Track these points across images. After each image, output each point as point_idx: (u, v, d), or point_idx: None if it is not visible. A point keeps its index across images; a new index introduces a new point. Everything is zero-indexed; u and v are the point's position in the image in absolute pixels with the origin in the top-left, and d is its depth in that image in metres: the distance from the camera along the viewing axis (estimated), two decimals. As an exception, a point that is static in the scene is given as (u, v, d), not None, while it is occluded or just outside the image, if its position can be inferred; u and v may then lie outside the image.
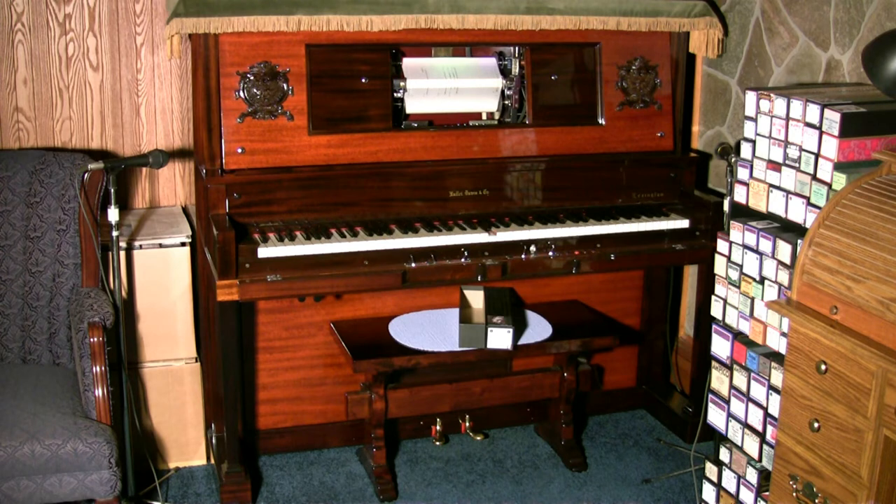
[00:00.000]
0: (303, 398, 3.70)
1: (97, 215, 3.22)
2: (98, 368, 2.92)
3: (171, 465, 3.64)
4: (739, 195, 2.99)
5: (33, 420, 2.82)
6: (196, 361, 3.60)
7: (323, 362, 3.68)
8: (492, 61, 3.73)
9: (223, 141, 3.30)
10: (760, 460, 2.92)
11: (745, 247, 2.92)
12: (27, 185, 3.21)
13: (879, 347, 2.23)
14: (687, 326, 4.30)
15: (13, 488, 2.73)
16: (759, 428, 2.89)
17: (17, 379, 3.08)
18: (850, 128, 2.60)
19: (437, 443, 3.76)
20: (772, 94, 2.83)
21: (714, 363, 3.10)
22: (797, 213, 2.75)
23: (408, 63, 3.60)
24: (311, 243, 3.22)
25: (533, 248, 3.43)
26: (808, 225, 2.70)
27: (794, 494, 2.52)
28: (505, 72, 3.70)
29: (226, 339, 3.25)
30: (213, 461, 3.62)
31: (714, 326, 3.08)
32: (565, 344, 3.54)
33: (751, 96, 2.91)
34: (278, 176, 3.33)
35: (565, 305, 3.85)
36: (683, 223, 3.62)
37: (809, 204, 2.71)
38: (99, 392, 2.92)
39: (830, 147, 2.63)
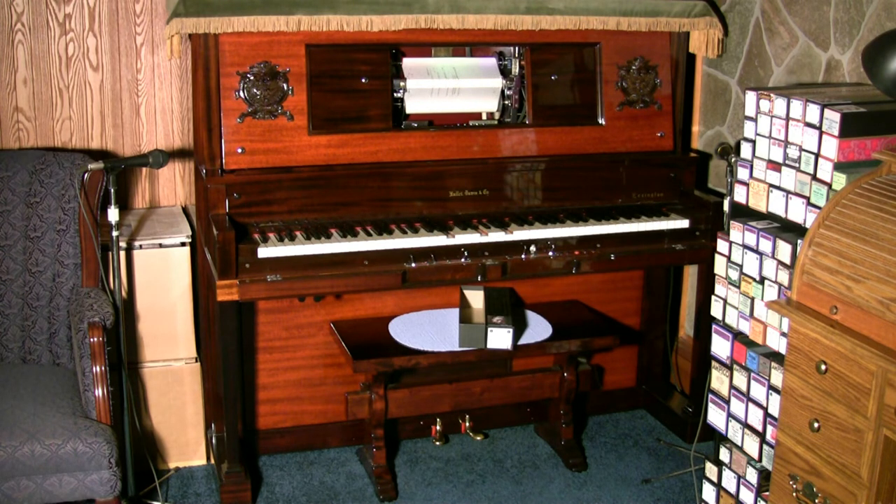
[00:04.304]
0: (303, 398, 3.70)
1: (97, 215, 3.22)
2: (98, 368, 2.92)
3: (171, 465, 3.64)
4: (739, 195, 2.99)
5: (33, 420, 2.82)
6: (196, 361, 3.60)
7: (323, 362, 3.68)
8: (492, 61, 3.73)
9: (223, 141, 3.30)
10: (760, 460, 2.92)
11: (745, 247, 2.92)
12: (27, 185, 3.21)
13: (879, 347, 2.23)
14: (687, 326, 4.30)
15: (13, 488, 2.73)
16: (759, 428, 2.89)
17: (17, 379, 3.08)
18: (850, 128, 2.60)
19: (437, 443, 3.76)
20: (772, 94, 2.83)
21: (714, 363, 3.10)
22: (797, 213, 2.75)
23: (408, 63, 3.60)
24: (311, 243, 3.22)
25: (533, 248, 3.43)
26: (808, 225, 2.70)
27: (794, 494, 2.52)
28: (505, 72, 3.70)
29: (226, 339, 3.25)
30: (213, 461, 3.62)
31: (714, 326, 3.08)
32: (565, 344, 3.54)
33: (751, 96, 2.91)
34: (278, 176, 3.33)
35: (565, 305, 3.85)
36: (683, 223, 3.62)
37: (809, 204, 2.71)
38: (99, 392, 2.92)
39: (830, 147, 2.63)
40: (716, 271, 3.08)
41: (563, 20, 3.55)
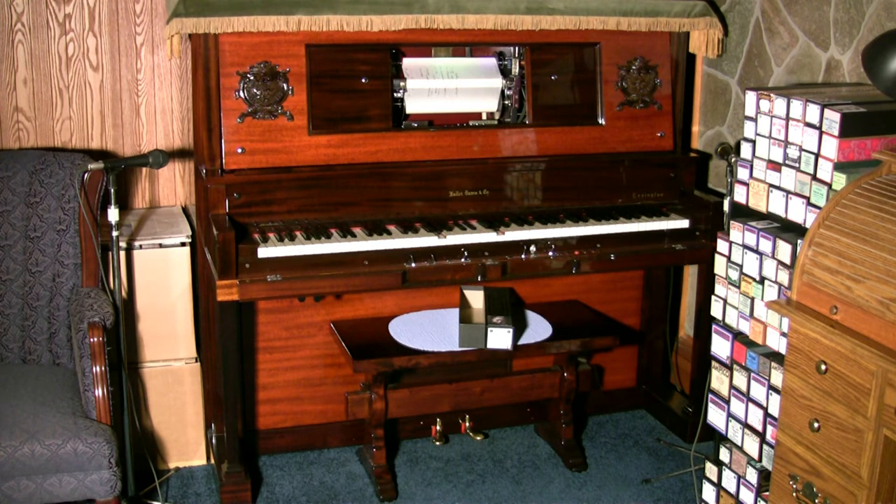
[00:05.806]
0: (303, 398, 3.70)
1: (97, 215, 3.22)
2: (98, 368, 2.92)
3: (171, 465, 3.64)
4: (739, 195, 2.99)
5: (33, 420, 2.82)
6: (196, 361, 3.60)
7: (323, 362, 3.68)
8: (492, 61, 3.73)
9: (223, 141, 3.30)
10: (760, 460, 2.93)
11: (745, 247, 2.92)
12: (27, 185, 3.21)
13: (879, 347, 2.24)
14: (687, 326, 4.30)
15: (13, 488, 2.74)
16: (759, 428, 2.89)
17: (17, 379, 3.08)
18: (850, 128, 2.60)
19: (437, 443, 3.76)
20: (772, 94, 2.83)
21: (714, 363, 3.10)
22: (797, 213, 2.75)
23: (408, 63, 3.60)
24: (311, 243, 3.22)
25: (533, 248, 3.43)
26: (808, 225, 2.70)
27: (794, 494, 2.52)
28: (505, 72, 3.70)
29: (226, 339, 3.25)
30: (213, 461, 3.62)
31: (714, 326, 3.08)
32: (565, 344, 3.54)
33: (751, 96, 2.91)
34: (278, 176, 3.33)
35: (565, 305, 3.85)
36: (683, 223, 3.62)
37: (809, 204, 2.71)
38: (99, 392, 2.92)
39: (830, 147, 2.63)
40: (716, 271, 3.08)
41: (563, 20, 3.55)
